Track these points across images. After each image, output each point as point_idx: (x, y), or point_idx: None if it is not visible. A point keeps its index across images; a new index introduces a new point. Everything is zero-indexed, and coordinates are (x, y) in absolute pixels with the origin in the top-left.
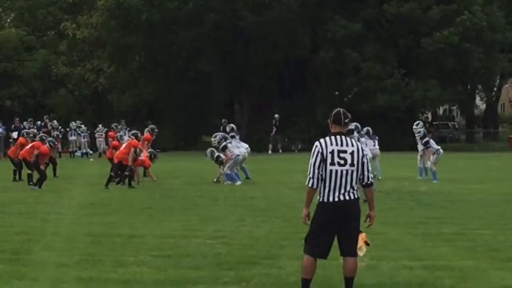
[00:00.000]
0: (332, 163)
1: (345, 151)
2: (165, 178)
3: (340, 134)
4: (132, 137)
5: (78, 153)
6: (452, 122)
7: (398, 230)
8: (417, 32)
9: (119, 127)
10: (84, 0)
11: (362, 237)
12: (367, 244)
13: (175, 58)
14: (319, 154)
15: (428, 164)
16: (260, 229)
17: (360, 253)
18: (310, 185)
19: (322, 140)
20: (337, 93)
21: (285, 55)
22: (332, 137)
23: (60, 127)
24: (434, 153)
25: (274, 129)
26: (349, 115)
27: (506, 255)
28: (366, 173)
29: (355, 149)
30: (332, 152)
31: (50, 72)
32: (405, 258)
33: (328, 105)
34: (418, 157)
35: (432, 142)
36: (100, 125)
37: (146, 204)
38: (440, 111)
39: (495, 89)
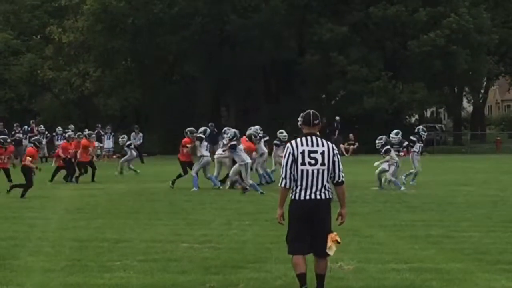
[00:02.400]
0: (303, 163)
1: (315, 151)
2: (152, 182)
3: (311, 135)
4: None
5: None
6: (440, 125)
7: (385, 232)
8: (403, 34)
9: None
10: (70, 4)
11: (331, 237)
12: (337, 242)
13: (161, 62)
14: (290, 155)
15: (387, 176)
16: (247, 232)
17: (330, 253)
18: (282, 185)
19: (293, 142)
20: (324, 96)
21: (271, 58)
22: (303, 138)
23: (46, 132)
24: (392, 165)
25: (337, 132)
26: (318, 116)
27: (493, 258)
28: (337, 171)
29: (325, 148)
30: (302, 153)
31: (36, 76)
32: (393, 261)
33: (315, 108)
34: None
35: (393, 153)
36: (86, 130)
37: (133, 208)
38: (428, 113)
39: (482, 91)
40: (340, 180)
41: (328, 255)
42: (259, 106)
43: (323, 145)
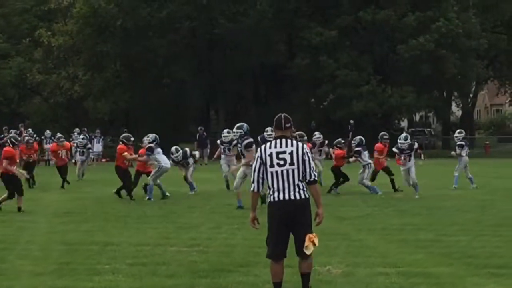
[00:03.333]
0: (272, 165)
1: (284, 152)
2: (140, 185)
3: (281, 137)
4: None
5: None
6: (429, 129)
7: (374, 236)
8: (393, 39)
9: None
10: (59, 8)
11: (309, 237)
12: (314, 244)
13: (150, 65)
14: (258, 159)
15: (364, 181)
16: (236, 236)
17: (307, 252)
18: (251, 189)
19: (263, 146)
20: (313, 100)
21: (261, 62)
22: (273, 141)
23: (35, 135)
24: (364, 167)
25: (351, 134)
26: (290, 120)
27: (482, 262)
28: (308, 170)
29: (294, 148)
30: (270, 155)
31: (25, 79)
32: (381, 265)
33: (304, 112)
34: (457, 166)
35: (364, 154)
36: (75, 133)
37: (121, 211)
38: (417, 117)
39: (471, 95)
40: (312, 179)
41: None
42: (248, 110)
43: (292, 145)
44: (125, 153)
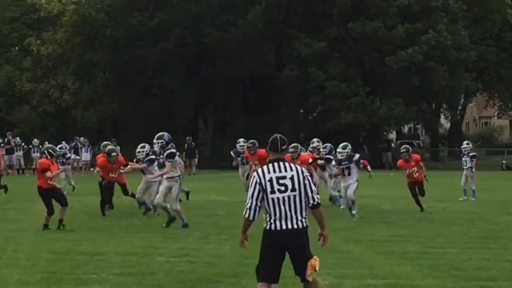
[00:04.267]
0: (272, 191)
1: (284, 177)
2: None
3: (278, 160)
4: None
5: None
6: (417, 141)
7: (361, 248)
8: (381, 50)
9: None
10: (49, 16)
11: (311, 264)
12: (315, 270)
13: (140, 74)
14: (257, 185)
15: (330, 191)
16: (223, 247)
17: (310, 279)
18: (246, 215)
19: (259, 170)
20: (301, 111)
21: (250, 72)
22: (270, 165)
23: (23, 144)
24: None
25: (365, 147)
26: (286, 141)
27: (469, 274)
28: (310, 194)
29: (294, 173)
30: (270, 180)
31: (14, 88)
32: (369, 277)
33: (293, 122)
34: (463, 178)
35: (332, 164)
36: (63, 142)
37: (108, 221)
38: (405, 129)
39: (460, 107)
40: (315, 203)
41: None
42: (237, 120)
43: (291, 169)
44: (48, 172)
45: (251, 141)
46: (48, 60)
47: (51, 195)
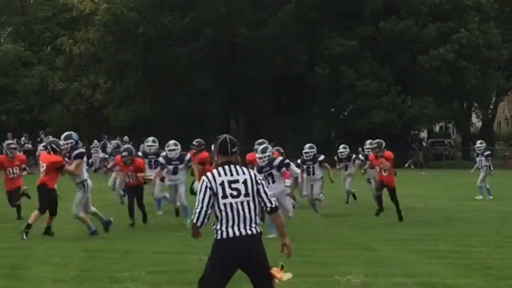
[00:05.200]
0: (225, 196)
1: (236, 181)
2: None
3: (229, 163)
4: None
5: None
6: (448, 140)
7: (393, 247)
8: (413, 49)
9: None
10: (81, 16)
11: (275, 271)
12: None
13: (171, 74)
14: (208, 189)
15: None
16: None
17: (285, 278)
18: (195, 220)
19: (209, 174)
20: (332, 110)
21: (281, 71)
22: (220, 168)
23: None
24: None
25: (416, 147)
26: (236, 143)
27: (501, 273)
28: (266, 198)
29: (247, 176)
30: (222, 184)
31: (47, 87)
32: (400, 275)
33: (324, 122)
34: (480, 177)
35: (293, 165)
36: (95, 141)
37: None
38: (436, 128)
39: (491, 106)
40: (273, 206)
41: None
42: (268, 119)
43: (244, 173)
44: (69, 166)
45: (197, 140)
46: (80, 59)
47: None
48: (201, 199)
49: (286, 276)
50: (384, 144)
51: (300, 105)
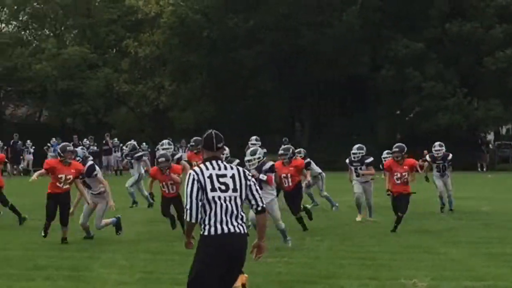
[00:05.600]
0: (213, 189)
1: (224, 175)
2: None
3: (215, 158)
4: None
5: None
6: None
7: (459, 249)
8: (479, 51)
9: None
10: (146, 18)
11: (241, 278)
12: (243, 286)
13: (236, 76)
14: (195, 182)
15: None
16: (319, 247)
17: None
18: (188, 219)
19: (196, 168)
20: (398, 112)
21: (345, 73)
22: (207, 163)
23: (121, 145)
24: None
25: (484, 147)
26: (222, 138)
27: None
28: (258, 197)
29: (235, 172)
30: (210, 177)
31: (112, 89)
32: (467, 278)
33: (389, 123)
34: None
35: (313, 164)
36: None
37: None
38: (503, 130)
39: None
40: (261, 208)
41: None
42: (332, 121)
43: (231, 168)
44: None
45: (194, 138)
46: (145, 62)
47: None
48: (189, 193)
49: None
50: (406, 149)
51: (364, 107)
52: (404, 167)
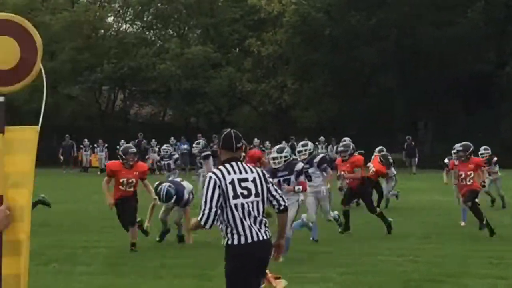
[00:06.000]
0: (236, 196)
1: (246, 179)
2: None
3: (235, 160)
4: None
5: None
6: None
7: None
8: None
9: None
10: (269, 17)
11: (281, 284)
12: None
13: (358, 74)
14: (217, 187)
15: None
16: (445, 246)
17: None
18: (203, 223)
19: (216, 170)
20: None
21: (469, 71)
22: (228, 165)
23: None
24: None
25: None
26: (241, 137)
27: None
28: (278, 197)
29: (256, 175)
30: (232, 183)
31: (235, 88)
32: None
33: None
34: None
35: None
36: (283, 142)
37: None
38: None
39: None
40: (283, 207)
41: None
42: (456, 119)
43: (252, 171)
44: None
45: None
46: (268, 61)
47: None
48: (209, 199)
49: (282, 283)
50: (472, 148)
51: (488, 105)
52: (470, 165)
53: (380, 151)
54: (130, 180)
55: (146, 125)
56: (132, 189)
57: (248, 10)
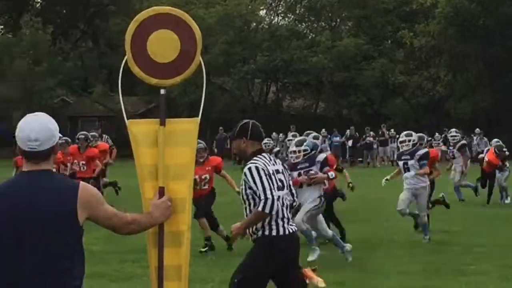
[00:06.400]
0: (278, 187)
1: (278, 171)
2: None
3: (264, 151)
4: None
5: None
6: None
7: None
8: None
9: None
10: (421, 8)
11: (308, 272)
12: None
13: (511, 65)
14: (267, 175)
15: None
16: None
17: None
18: (268, 210)
19: (258, 160)
20: None
21: None
22: (261, 157)
23: (397, 136)
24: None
25: None
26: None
27: None
28: (295, 193)
29: (282, 167)
30: (273, 173)
31: (387, 80)
32: None
33: None
34: None
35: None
36: (437, 134)
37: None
38: None
39: None
40: (296, 203)
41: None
42: None
43: (278, 163)
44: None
45: None
46: (420, 52)
47: None
48: (267, 185)
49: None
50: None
51: None
52: None
53: (496, 142)
54: (203, 177)
55: (298, 117)
56: (206, 187)
57: (401, 1)
